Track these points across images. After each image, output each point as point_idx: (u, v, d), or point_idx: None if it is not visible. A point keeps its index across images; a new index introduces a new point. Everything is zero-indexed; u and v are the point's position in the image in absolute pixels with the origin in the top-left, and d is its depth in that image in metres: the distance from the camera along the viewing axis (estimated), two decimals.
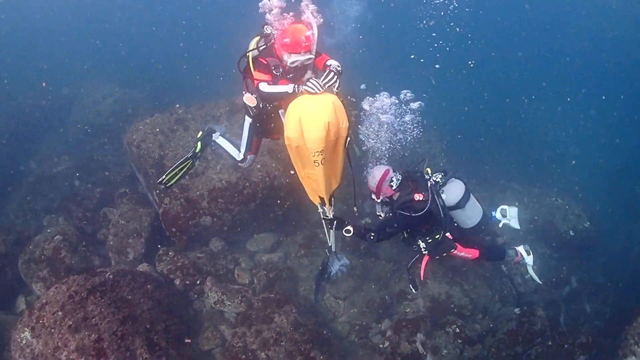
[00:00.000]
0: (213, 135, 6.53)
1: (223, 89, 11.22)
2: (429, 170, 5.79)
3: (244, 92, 5.38)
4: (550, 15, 28.05)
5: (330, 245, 6.07)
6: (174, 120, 9.65)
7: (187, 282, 7.97)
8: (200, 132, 6.51)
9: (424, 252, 5.80)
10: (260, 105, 5.31)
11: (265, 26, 5.11)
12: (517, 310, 8.55)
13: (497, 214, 6.40)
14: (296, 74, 4.98)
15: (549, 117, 19.35)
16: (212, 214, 8.43)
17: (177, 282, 7.95)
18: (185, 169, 6.36)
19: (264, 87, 4.88)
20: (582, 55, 25.37)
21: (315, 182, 4.94)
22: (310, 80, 4.59)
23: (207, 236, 8.72)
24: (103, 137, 13.79)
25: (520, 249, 6.56)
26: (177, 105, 10.22)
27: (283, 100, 4.91)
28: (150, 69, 17.57)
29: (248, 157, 6.18)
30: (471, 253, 6.07)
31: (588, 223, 11.28)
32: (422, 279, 6.40)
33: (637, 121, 19.53)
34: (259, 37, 5.27)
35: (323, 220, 5.58)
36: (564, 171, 15.18)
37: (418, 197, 5.37)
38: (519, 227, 6.43)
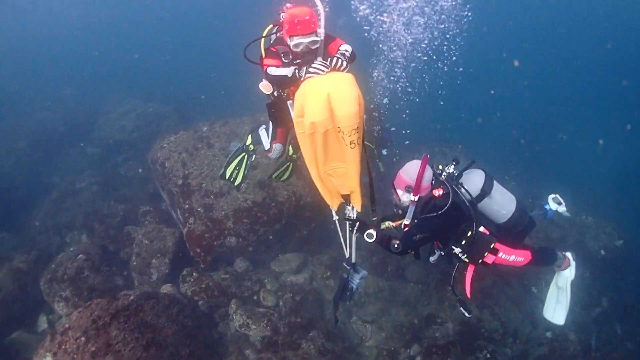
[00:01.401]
0: (260, 128, 6.46)
1: (247, 105, 11.14)
2: (440, 166, 5.20)
3: (262, 80, 5.23)
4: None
5: (349, 256, 5.41)
6: (197, 138, 9.57)
7: (212, 304, 7.82)
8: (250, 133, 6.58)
9: (463, 259, 5.12)
10: (275, 93, 5.21)
11: (282, 13, 5.05)
12: (548, 334, 8.33)
13: (551, 204, 5.85)
14: (304, 60, 4.81)
15: (581, 129, 19.00)
16: (237, 234, 8.30)
17: (202, 304, 7.79)
18: (243, 162, 6.51)
19: (271, 70, 4.80)
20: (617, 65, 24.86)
21: (341, 177, 4.55)
22: (315, 63, 4.40)
23: (231, 256, 8.59)
24: (127, 153, 13.81)
25: (569, 254, 6.01)
26: (201, 123, 10.13)
27: (286, 85, 4.81)
28: (175, 84, 17.59)
29: (274, 146, 6.06)
30: (523, 255, 5.33)
31: (621, 241, 10.99)
32: (469, 296, 5.35)
33: None
34: (271, 26, 5.30)
35: (339, 222, 5.10)
36: (594, 187, 14.84)
37: (437, 192, 4.84)
38: (569, 215, 6.05)
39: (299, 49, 4.83)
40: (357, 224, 4.89)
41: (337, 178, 4.56)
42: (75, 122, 15.28)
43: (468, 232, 4.94)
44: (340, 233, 5.20)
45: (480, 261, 5.12)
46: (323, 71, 4.32)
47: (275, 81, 4.87)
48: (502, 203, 5.15)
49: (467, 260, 5.11)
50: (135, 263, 8.48)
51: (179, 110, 15.34)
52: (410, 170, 4.91)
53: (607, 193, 13.88)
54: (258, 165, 8.92)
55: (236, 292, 7.99)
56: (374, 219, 5.17)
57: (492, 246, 5.03)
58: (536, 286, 9.07)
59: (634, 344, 9.15)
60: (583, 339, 8.51)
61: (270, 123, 5.97)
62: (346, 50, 4.69)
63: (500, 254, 5.11)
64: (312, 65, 4.37)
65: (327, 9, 4.85)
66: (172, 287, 8.03)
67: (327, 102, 4.02)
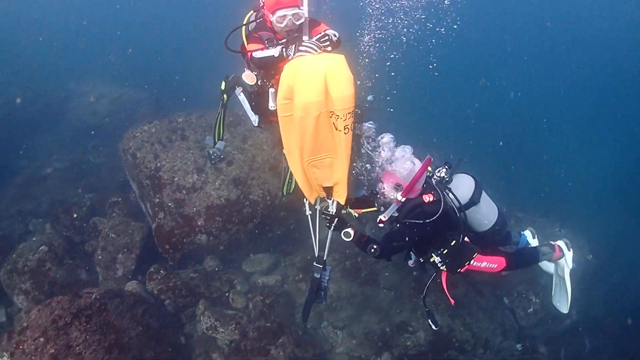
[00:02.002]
0: (237, 89, 5.92)
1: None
2: (429, 168, 4.86)
3: (244, 70, 5.10)
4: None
5: (319, 254, 4.99)
6: (172, 128, 9.24)
7: (179, 305, 7.57)
8: (224, 83, 5.96)
9: (441, 268, 4.87)
10: (259, 83, 5.01)
11: None
12: (519, 346, 8.32)
13: (529, 235, 5.83)
14: (290, 40, 4.57)
15: (557, 141, 19.12)
16: (208, 232, 8.04)
17: (168, 303, 7.53)
18: (219, 120, 6.21)
19: (256, 53, 4.55)
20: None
21: (327, 168, 4.30)
22: (306, 41, 4.20)
23: (201, 254, 8.34)
24: (97, 139, 13.36)
25: (560, 243, 5.69)
26: (177, 114, 9.80)
27: (272, 68, 4.55)
28: (152, 70, 17.12)
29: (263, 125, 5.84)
30: (496, 262, 5.13)
31: (590, 256, 11.02)
32: (452, 303, 5.22)
33: None
34: (252, 12, 5.07)
35: (311, 218, 4.83)
36: (568, 200, 14.90)
37: (428, 198, 4.47)
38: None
39: (282, 24, 4.58)
40: (336, 220, 4.60)
41: (322, 169, 4.31)
42: (46, 104, 14.71)
43: (452, 241, 4.74)
44: (311, 229, 4.90)
45: (458, 270, 4.94)
46: (316, 50, 4.10)
47: (262, 64, 4.62)
48: (486, 213, 5.00)
49: (444, 269, 4.91)
50: (100, 257, 8.17)
51: (155, 98, 14.92)
52: (404, 166, 4.55)
53: (580, 206, 13.94)
54: (233, 161, 8.65)
55: (205, 292, 7.76)
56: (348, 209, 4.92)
57: (474, 256, 4.89)
58: (508, 296, 9.03)
59: (603, 356, 9.20)
60: (552, 350, 8.49)
61: (247, 104, 5.67)
62: (335, 34, 4.48)
63: (472, 261, 4.95)
64: (303, 43, 4.16)
65: None
66: (137, 284, 7.75)
67: (324, 82, 3.80)
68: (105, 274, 8.06)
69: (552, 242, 5.70)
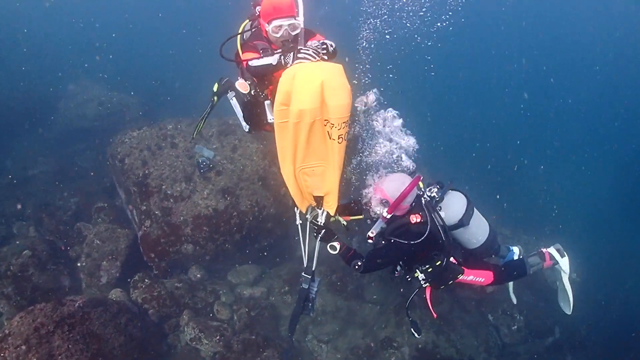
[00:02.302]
0: (229, 93, 5.81)
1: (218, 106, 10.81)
2: (420, 184, 4.79)
3: (238, 78, 5.07)
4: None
5: (307, 265, 4.99)
6: (161, 135, 9.17)
7: (163, 314, 7.49)
8: (216, 85, 5.83)
9: (423, 285, 4.85)
10: (252, 92, 4.96)
11: (257, 6, 4.85)
12: None
13: (517, 251, 5.64)
14: (285, 51, 4.54)
15: (544, 158, 19.21)
16: (194, 242, 7.98)
17: (152, 313, 7.45)
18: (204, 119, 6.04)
19: (253, 62, 4.54)
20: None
21: (318, 177, 4.28)
22: (304, 49, 4.20)
23: (186, 263, 8.26)
24: (85, 142, 13.23)
25: (552, 250, 5.52)
26: (167, 120, 9.72)
27: (269, 76, 4.59)
28: (142, 74, 17.00)
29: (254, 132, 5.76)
30: (483, 276, 5.08)
31: (574, 275, 11.07)
32: (434, 316, 5.23)
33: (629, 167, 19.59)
34: (247, 21, 5.07)
35: (301, 227, 4.77)
36: (554, 217, 14.99)
37: (415, 218, 4.43)
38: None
39: (278, 34, 4.58)
40: (324, 231, 4.56)
41: (314, 177, 4.30)
42: (34, 104, 14.49)
43: (437, 262, 4.68)
44: (301, 238, 4.86)
45: (442, 287, 4.92)
46: (314, 58, 4.12)
47: (258, 73, 4.60)
48: (475, 234, 4.94)
49: (426, 285, 4.89)
50: (84, 264, 8.07)
51: (145, 102, 14.77)
52: (393, 184, 4.51)
53: (567, 225, 14.04)
54: (223, 171, 8.60)
55: (189, 302, 7.68)
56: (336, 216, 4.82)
57: (458, 276, 4.85)
58: (493, 313, 9.04)
59: None
60: None
61: (239, 109, 5.55)
62: (331, 45, 4.45)
63: (463, 273, 4.94)
64: (302, 50, 4.17)
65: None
66: (121, 292, 7.67)
67: (320, 90, 3.80)
68: (89, 280, 7.96)
69: (543, 250, 5.58)
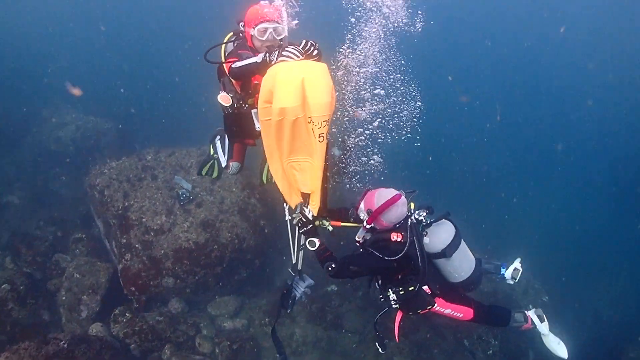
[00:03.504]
0: (216, 137, 6.25)
1: (195, 134, 10.87)
2: (411, 205, 4.72)
3: (220, 92, 5.05)
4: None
5: (295, 262, 5.02)
6: (141, 167, 9.22)
7: (144, 349, 7.49)
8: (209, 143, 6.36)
9: (393, 306, 4.77)
10: (235, 105, 4.98)
11: (240, 22, 4.91)
12: None
13: (508, 274, 5.45)
14: (270, 49, 4.54)
15: (514, 181, 19.49)
16: (175, 275, 8.02)
17: (134, 347, 7.46)
18: (213, 166, 6.30)
19: (235, 64, 4.56)
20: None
21: (305, 172, 4.26)
22: (288, 47, 4.23)
23: (167, 296, 8.28)
24: (60, 167, 13.11)
25: (532, 313, 5.40)
26: (146, 150, 9.76)
27: (254, 74, 4.52)
28: (121, 99, 16.86)
29: (231, 164, 5.86)
30: (462, 311, 4.97)
31: (546, 297, 11.36)
32: (397, 340, 5.17)
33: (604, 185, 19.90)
34: (232, 34, 5.14)
35: (290, 224, 4.72)
36: (527, 243, 15.18)
37: (395, 237, 4.40)
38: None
39: (264, 37, 4.66)
40: (309, 226, 4.50)
41: (301, 172, 4.30)
42: (8, 127, 14.30)
43: (410, 286, 4.60)
44: (290, 235, 4.87)
45: (410, 314, 4.86)
46: (298, 57, 4.14)
47: (243, 74, 4.62)
48: (458, 268, 4.82)
49: (397, 308, 4.84)
50: (64, 298, 8.04)
51: (121, 128, 14.69)
52: (383, 197, 4.49)
53: (537, 249, 14.31)
54: (202, 203, 8.68)
55: (171, 336, 7.70)
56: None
57: (428, 308, 4.75)
58: (468, 339, 9.21)
59: None
60: None
61: (227, 138, 5.79)
62: (314, 44, 4.41)
63: (435, 306, 4.81)
64: (286, 49, 4.20)
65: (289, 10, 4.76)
66: (102, 326, 7.66)
67: (301, 87, 3.81)
68: (68, 315, 7.93)
69: (527, 312, 5.48)
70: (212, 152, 6.35)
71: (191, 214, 8.48)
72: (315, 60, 4.29)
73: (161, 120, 14.41)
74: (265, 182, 6.39)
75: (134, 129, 15.13)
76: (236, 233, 8.48)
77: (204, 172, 6.42)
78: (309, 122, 3.93)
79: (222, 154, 6.06)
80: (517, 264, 5.58)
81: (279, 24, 4.67)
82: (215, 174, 6.41)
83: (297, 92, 3.80)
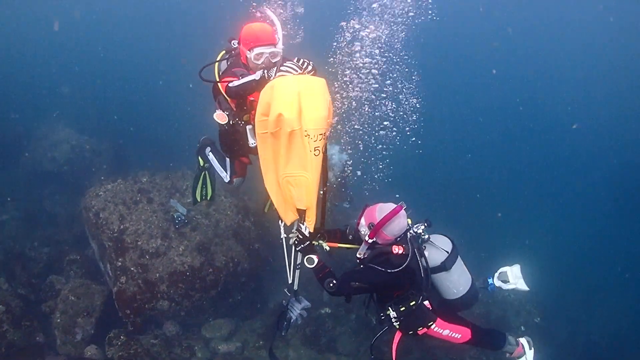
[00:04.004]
0: (206, 149, 6.36)
1: (190, 155, 10.94)
2: (409, 220, 4.66)
3: (216, 110, 5.12)
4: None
5: (291, 281, 4.94)
6: (137, 189, 9.30)
7: None
8: (198, 145, 6.47)
9: (394, 324, 4.73)
10: (231, 122, 5.04)
11: (232, 41, 5.02)
12: None
13: (496, 281, 5.44)
14: (268, 66, 4.69)
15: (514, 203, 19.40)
16: (170, 298, 8.07)
17: None
18: (206, 180, 6.47)
19: (232, 83, 4.61)
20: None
21: (301, 187, 4.21)
22: (286, 63, 4.31)
23: (161, 319, 8.31)
24: (54, 186, 13.18)
25: (523, 340, 5.41)
26: (141, 173, 9.84)
27: (252, 92, 4.56)
28: (116, 119, 16.93)
29: (234, 180, 5.99)
30: (460, 332, 4.92)
31: (538, 319, 11.47)
32: None
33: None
34: (224, 52, 5.21)
35: (286, 242, 4.67)
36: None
37: (397, 249, 4.38)
38: (528, 288, 5.43)
39: (259, 61, 4.72)
40: (306, 243, 4.49)
41: (297, 187, 4.24)
42: (1, 145, 14.35)
43: (411, 302, 4.61)
44: (286, 253, 4.80)
45: (410, 333, 4.79)
46: (296, 71, 4.21)
47: (240, 92, 4.66)
48: (456, 283, 4.81)
49: (397, 327, 4.77)
50: (59, 320, 8.05)
51: (115, 148, 14.78)
52: (383, 210, 4.47)
53: (529, 269, 14.34)
54: (198, 226, 8.77)
55: (165, 359, 7.73)
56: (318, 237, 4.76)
57: (429, 324, 4.73)
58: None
59: None
60: None
61: (227, 156, 5.89)
62: (309, 62, 4.49)
63: (433, 326, 4.77)
64: (284, 64, 4.27)
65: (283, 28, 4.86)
66: (97, 349, 7.69)
67: (297, 100, 3.83)
68: (63, 337, 7.94)
69: (518, 339, 5.51)
70: (202, 163, 6.43)
71: (186, 237, 8.56)
72: (310, 72, 4.36)
73: (156, 140, 14.47)
74: (267, 211, 6.48)
75: (129, 149, 15.20)
76: (231, 256, 8.57)
77: (199, 198, 6.54)
78: (305, 136, 3.94)
79: (222, 169, 6.19)
80: (503, 269, 5.56)
81: (275, 47, 4.74)
82: (209, 193, 6.53)
83: (293, 104, 3.83)
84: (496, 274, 5.51)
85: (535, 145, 24.58)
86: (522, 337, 5.55)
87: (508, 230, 17.08)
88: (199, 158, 6.45)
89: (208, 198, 6.65)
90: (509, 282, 5.43)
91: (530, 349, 5.42)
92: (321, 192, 4.54)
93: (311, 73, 4.35)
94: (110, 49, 22.86)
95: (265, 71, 4.40)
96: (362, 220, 4.62)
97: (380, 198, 4.86)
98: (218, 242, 8.64)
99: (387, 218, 4.33)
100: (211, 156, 6.33)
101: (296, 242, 4.54)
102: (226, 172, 6.12)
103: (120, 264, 8.26)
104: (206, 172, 6.43)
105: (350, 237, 5.01)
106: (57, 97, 17.22)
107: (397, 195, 5.25)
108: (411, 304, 4.57)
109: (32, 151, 14.39)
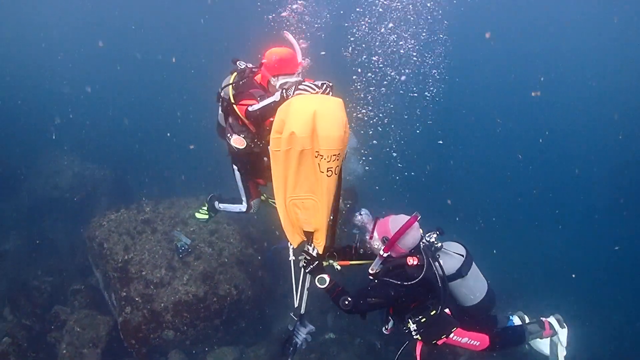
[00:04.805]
0: (215, 204, 6.71)
1: (194, 184, 11.09)
2: (421, 231, 4.64)
3: (229, 136, 5.15)
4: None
5: (298, 305, 4.80)
6: (141, 219, 9.40)
7: None
8: (206, 205, 7.04)
9: (415, 337, 4.64)
10: (252, 145, 5.10)
11: (237, 62, 5.11)
12: None
13: (516, 319, 5.42)
14: (287, 86, 4.72)
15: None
16: (175, 328, 8.12)
17: None
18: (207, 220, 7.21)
19: (253, 107, 4.67)
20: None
21: (308, 210, 4.17)
22: (304, 82, 4.30)
23: (166, 348, 8.35)
24: (57, 214, 13.24)
25: (552, 319, 5.33)
26: (144, 201, 9.95)
27: (274, 114, 4.34)
28: (118, 146, 17.01)
29: (252, 203, 6.09)
30: (479, 339, 4.88)
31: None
32: None
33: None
34: (235, 74, 5.25)
35: (294, 264, 4.58)
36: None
37: (411, 261, 4.32)
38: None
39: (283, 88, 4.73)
40: (315, 263, 4.43)
41: (304, 210, 4.20)
42: (4, 173, 14.42)
43: (432, 311, 4.53)
44: (293, 276, 4.68)
45: (433, 342, 4.71)
46: (314, 90, 4.19)
47: (261, 115, 4.71)
48: (473, 289, 4.80)
49: (419, 338, 4.70)
50: (65, 352, 8.10)
51: (117, 175, 14.86)
52: (398, 222, 4.45)
53: (531, 280, 14.12)
54: (201, 255, 8.85)
55: None
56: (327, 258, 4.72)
57: (452, 330, 4.69)
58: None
59: None
60: None
61: (240, 183, 6.00)
62: (328, 84, 4.44)
63: (452, 335, 4.74)
64: (303, 83, 4.27)
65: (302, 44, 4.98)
66: None
67: (312, 119, 3.79)
68: None
69: (543, 319, 5.41)
70: (213, 214, 6.65)
71: (190, 266, 8.64)
72: (329, 93, 4.31)
73: (159, 169, 14.56)
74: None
75: (131, 176, 15.28)
76: (235, 285, 8.63)
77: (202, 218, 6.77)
78: (317, 156, 3.90)
79: (236, 206, 6.42)
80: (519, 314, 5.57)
81: (299, 77, 4.86)
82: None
83: (307, 123, 3.79)
84: (517, 314, 5.49)
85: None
86: (549, 317, 5.41)
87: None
88: (208, 210, 7.02)
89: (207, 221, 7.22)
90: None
91: (562, 327, 5.28)
92: (331, 217, 4.45)
93: (329, 93, 4.31)
94: (112, 75, 22.99)
95: (284, 90, 4.45)
96: (375, 234, 4.61)
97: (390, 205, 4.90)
98: (222, 270, 8.71)
99: (401, 231, 4.31)
100: (223, 206, 6.64)
101: (304, 265, 4.49)
102: (242, 202, 6.24)
103: (125, 294, 8.33)
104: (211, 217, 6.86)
105: (361, 251, 4.94)
106: (59, 123, 17.26)
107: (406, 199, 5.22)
108: (432, 313, 4.51)
109: (34, 179, 14.44)
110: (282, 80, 4.80)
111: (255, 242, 9.71)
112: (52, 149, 15.52)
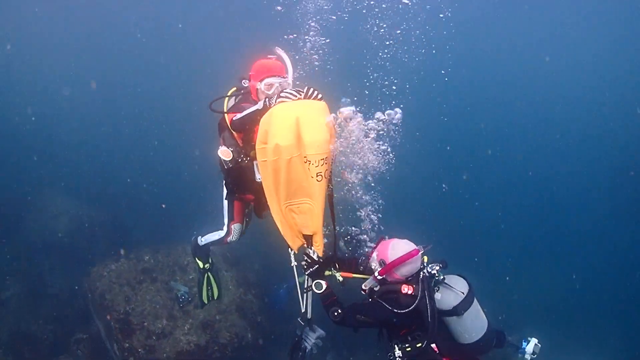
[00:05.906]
0: (198, 239, 6.38)
1: (191, 228, 11.23)
2: (425, 258, 4.58)
3: (220, 146, 5.18)
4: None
5: (304, 310, 4.88)
6: (140, 269, 9.60)
7: None
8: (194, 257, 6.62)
9: None
10: (238, 159, 5.06)
11: (243, 80, 5.20)
12: None
13: (529, 349, 5.36)
14: (269, 95, 4.82)
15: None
16: None
17: None
18: (210, 282, 6.61)
19: (237, 115, 4.73)
20: None
21: (305, 214, 4.24)
22: (286, 89, 4.39)
23: None
24: (54, 259, 13.30)
25: (532, 343, 5.42)
26: (143, 250, 10.15)
27: (257, 123, 4.45)
28: (115, 191, 17.10)
29: (232, 227, 5.84)
30: None
31: None
32: None
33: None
34: (235, 89, 5.35)
35: (297, 270, 4.65)
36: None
37: (406, 289, 4.30)
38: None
39: (270, 91, 4.87)
40: (316, 266, 4.49)
41: (301, 215, 4.27)
42: (1, 218, 14.51)
43: (418, 343, 4.45)
44: (297, 282, 4.77)
45: None
46: (295, 97, 4.22)
47: (246, 123, 4.74)
48: (469, 328, 4.63)
49: None
50: None
51: (115, 218, 15.02)
52: (398, 250, 4.42)
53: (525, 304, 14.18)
54: None
55: None
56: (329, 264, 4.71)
57: None
58: None
59: None
60: None
61: (226, 202, 5.79)
62: (314, 89, 4.45)
63: None
64: (284, 91, 4.35)
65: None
66: None
67: (295, 126, 3.82)
68: None
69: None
70: (201, 265, 6.64)
71: (190, 315, 8.84)
72: (317, 98, 4.34)
73: (156, 213, 14.66)
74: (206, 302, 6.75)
75: (129, 220, 15.38)
76: (235, 332, 8.83)
77: (206, 301, 6.77)
78: (305, 162, 3.96)
79: (214, 235, 6.14)
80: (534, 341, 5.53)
81: (284, 78, 4.97)
82: (215, 293, 6.81)
83: (290, 131, 3.85)
84: (532, 343, 5.46)
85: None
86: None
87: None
88: (197, 260, 6.55)
89: (215, 298, 6.86)
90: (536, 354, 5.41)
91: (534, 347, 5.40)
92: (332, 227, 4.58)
93: (318, 97, 4.33)
94: (111, 115, 23.11)
95: (267, 99, 4.50)
96: (375, 255, 4.63)
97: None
98: (221, 318, 8.92)
99: (399, 261, 4.32)
100: (204, 239, 6.31)
101: (305, 267, 4.55)
102: (223, 227, 5.99)
103: (127, 345, 8.50)
104: (208, 273, 6.64)
105: (362, 267, 4.95)
106: (55, 166, 17.38)
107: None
108: (417, 345, 4.44)
109: (31, 223, 14.50)
110: (266, 81, 4.90)
111: (253, 287, 9.92)
112: (48, 192, 15.59)
